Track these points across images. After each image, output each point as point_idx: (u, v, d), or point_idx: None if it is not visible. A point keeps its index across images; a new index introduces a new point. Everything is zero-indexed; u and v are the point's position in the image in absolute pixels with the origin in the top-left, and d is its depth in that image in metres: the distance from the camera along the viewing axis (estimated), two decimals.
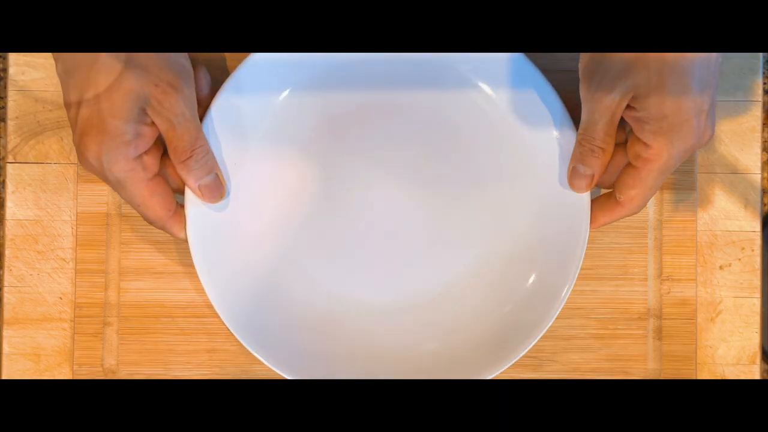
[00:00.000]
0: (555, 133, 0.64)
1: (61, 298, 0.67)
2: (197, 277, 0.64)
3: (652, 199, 0.67)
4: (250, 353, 0.64)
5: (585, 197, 0.63)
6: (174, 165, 0.61)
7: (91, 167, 0.59)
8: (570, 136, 0.63)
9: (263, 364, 0.64)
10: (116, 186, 0.60)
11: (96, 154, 0.58)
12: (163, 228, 0.62)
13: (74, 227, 0.67)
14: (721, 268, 0.68)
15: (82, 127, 0.58)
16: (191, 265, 0.64)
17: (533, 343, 0.63)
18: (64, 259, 0.68)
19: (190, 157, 0.60)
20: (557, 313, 0.63)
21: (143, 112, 0.58)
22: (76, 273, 0.67)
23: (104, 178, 0.59)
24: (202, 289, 0.64)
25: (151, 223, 0.62)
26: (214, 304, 0.64)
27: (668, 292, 0.67)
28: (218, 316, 0.64)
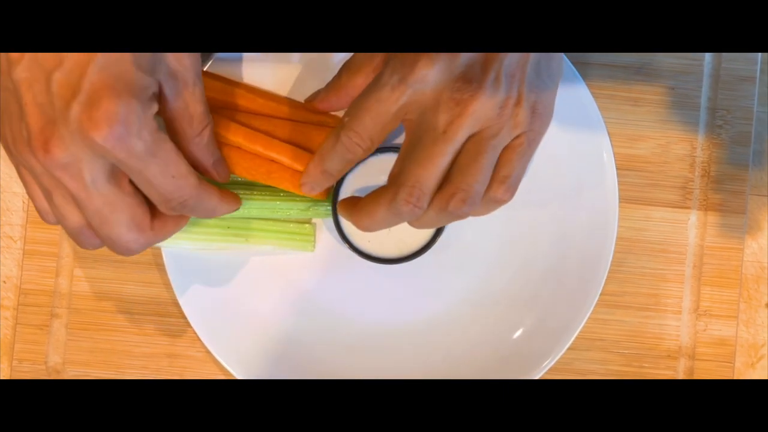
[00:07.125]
0: (586, 137, 0.63)
1: (5, 282, 0.65)
2: (164, 269, 0.62)
3: (695, 221, 0.65)
4: (217, 362, 0.63)
5: (612, 221, 0.63)
6: (183, 139, 0.54)
7: (100, 144, 0.49)
8: (598, 142, 0.63)
9: (230, 374, 0.63)
10: (142, 159, 0.50)
11: (122, 117, 0.48)
12: (196, 206, 0.53)
13: (26, 201, 0.65)
14: (767, 305, 0.65)
15: (93, 89, 0.49)
16: (159, 255, 0.63)
17: (541, 374, 0.62)
18: (11, 237, 0.65)
19: (207, 126, 0.55)
20: (569, 344, 0.62)
21: (159, 64, 0.52)
22: (24, 254, 0.65)
23: (123, 154, 0.49)
24: (170, 284, 0.62)
25: (185, 200, 0.52)
26: (182, 303, 0.62)
27: (704, 330, 0.65)
28: (185, 317, 0.62)
